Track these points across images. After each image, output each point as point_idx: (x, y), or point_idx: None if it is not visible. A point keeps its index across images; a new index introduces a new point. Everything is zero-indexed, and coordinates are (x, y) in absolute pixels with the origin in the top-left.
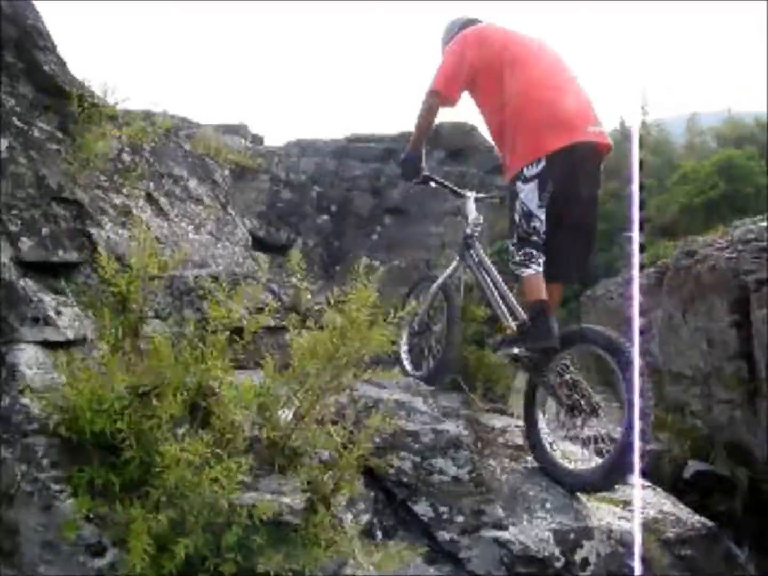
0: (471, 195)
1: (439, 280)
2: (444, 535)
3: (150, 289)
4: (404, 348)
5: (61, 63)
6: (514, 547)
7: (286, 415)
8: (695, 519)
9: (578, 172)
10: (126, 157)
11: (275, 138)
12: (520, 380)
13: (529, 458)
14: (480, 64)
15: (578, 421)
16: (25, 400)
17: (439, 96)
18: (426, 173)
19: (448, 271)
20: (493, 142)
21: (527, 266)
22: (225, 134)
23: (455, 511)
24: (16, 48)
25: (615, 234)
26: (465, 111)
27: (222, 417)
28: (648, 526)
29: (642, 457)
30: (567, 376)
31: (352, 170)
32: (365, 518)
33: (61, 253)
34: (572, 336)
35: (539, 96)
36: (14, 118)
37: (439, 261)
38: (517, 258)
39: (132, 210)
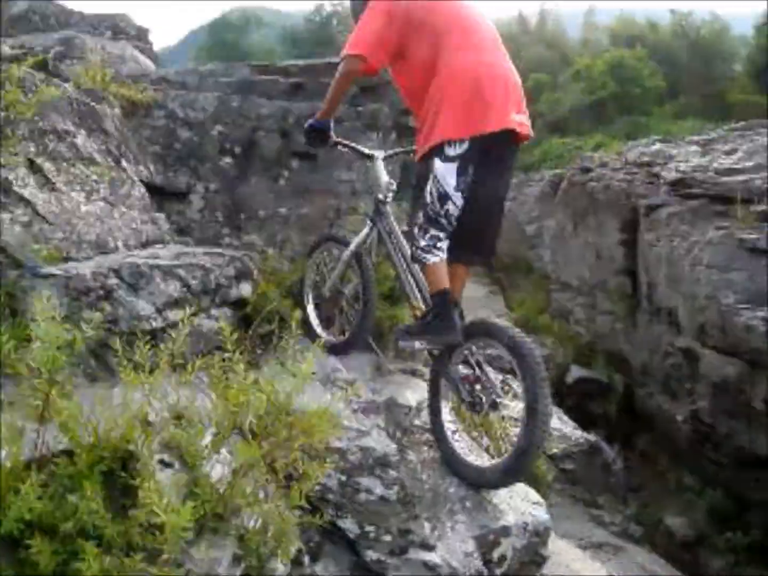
0: (380, 155)
1: (352, 247)
2: (371, 555)
3: (44, 289)
4: (313, 315)
5: None
6: (441, 570)
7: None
8: (579, 434)
9: (499, 158)
10: (7, 114)
11: (162, 33)
12: None
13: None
14: (410, 28)
15: (478, 418)
16: None
17: (364, 62)
18: (335, 139)
19: (360, 237)
20: (408, 105)
21: (433, 254)
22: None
23: (382, 530)
24: None
25: None
26: None
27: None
28: None
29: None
30: (469, 371)
31: (257, 108)
32: (293, 549)
33: None
34: (476, 330)
35: (472, 72)
36: None
37: (351, 209)
38: (423, 243)
39: (12, 185)
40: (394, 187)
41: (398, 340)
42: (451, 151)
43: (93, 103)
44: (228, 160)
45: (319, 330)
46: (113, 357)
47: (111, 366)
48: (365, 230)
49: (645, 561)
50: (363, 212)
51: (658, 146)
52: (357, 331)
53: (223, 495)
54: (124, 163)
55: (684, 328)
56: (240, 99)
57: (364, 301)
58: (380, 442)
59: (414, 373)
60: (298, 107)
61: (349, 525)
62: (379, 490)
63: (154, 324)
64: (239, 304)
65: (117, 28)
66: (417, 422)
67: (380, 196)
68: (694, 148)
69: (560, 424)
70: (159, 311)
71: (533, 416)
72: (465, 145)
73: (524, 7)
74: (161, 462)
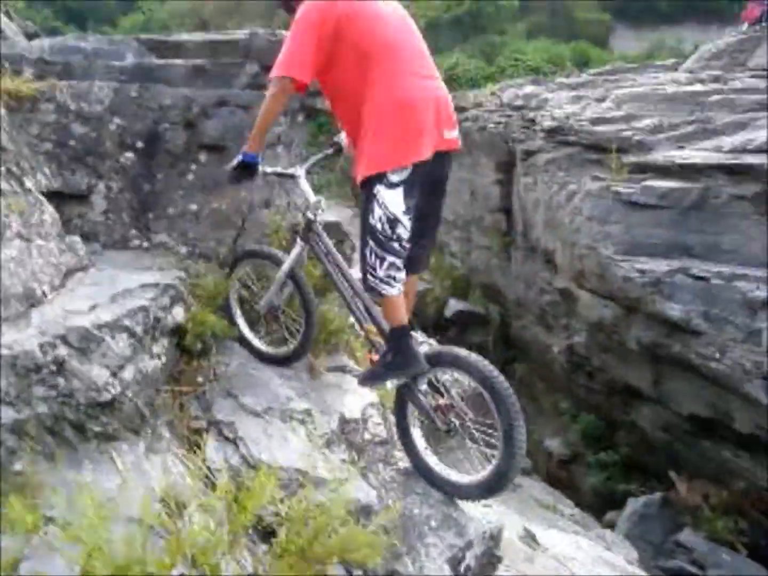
0: (301, 172)
1: (285, 268)
2: None
3: None
4: (247, 330)
5: None
6: None
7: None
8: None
9: (437, 176)
10: None
11: None
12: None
13: (397, 453)
14: (337, 43)
15: (453, 442)
16: None
17: (293, 83)
18: (263, 170)
19: (292, 257)
20: (336, 115)
21: (391, 285)
22: None
23: (370, 572)
24: None
25: None
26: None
27: None
28: None
29: None
30: (441, 400)
31: (159, 98)
32: None
33: None
34: (443, 359)
35: (406, 101)
36: None
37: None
38: (381, 273)
39: None
40: (323, 204)
41: (364, 384)
42: (394, 178)
43: None
44: (130, 155)
45: (260, 345)
46: (71, 431)
47: (70, 440)
48: (296, 249)
49: (538, 493)
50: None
51: (531, 88)
52: (303, 342)
53: None
54: (27, 183)
55: (562, 270)
56: (139, 88)
57: (306, 316)
58: (360, 489)
59: (343, 369)
60: (203, 95)
61: (338, 570)
62: (357, 556)
63: (112, 391)
64: (174, 330)
65: None
66: (367, 436)
67: (310, 215)
68: (566, 93)
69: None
70: (114, 374)
71: (511, 442)
72: (408, 171)
73: None
74: None
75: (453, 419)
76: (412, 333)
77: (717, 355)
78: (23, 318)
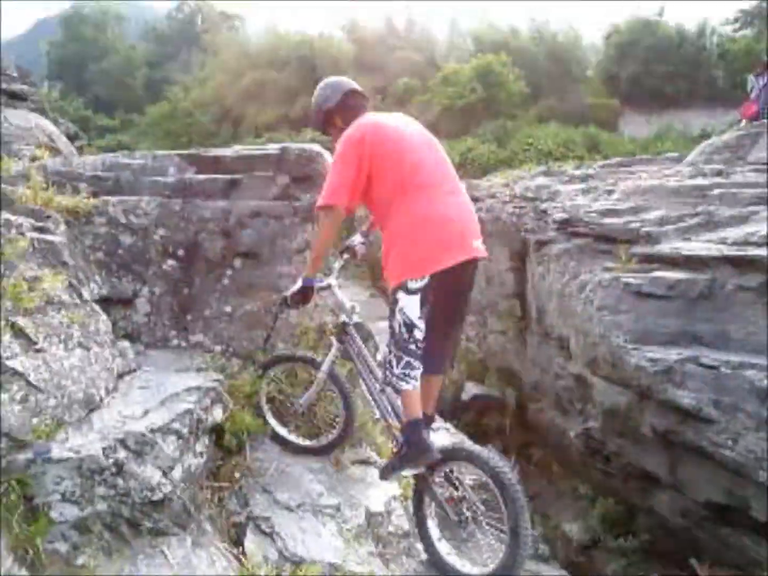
0: (333, 281)
1: (324, 368)
2: None
3: (56, 473)
4: (280, 427)
5: None
6: None
7: None
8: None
9: (458, 283)
10: None
11: (7, 20)
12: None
13: (419, 545)
14: (372, 170)
15: (464, 534)
16: None
17: (344, 211)
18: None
19: (330, 357)
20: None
21: (407, 381)
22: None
23: None
24: None
25: None
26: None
27: None
28: None
29: None
30: (454, 492)
31: (199, 210)
32: None
33: None
34: (457, 454)
35: (429, 215)
36: None
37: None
38: (397, 371)
39: (2, 359)
40: (358, 308)
41: (384, 478)
42: (413, 285)
43: (40, 224)
44: (172, 262)
45: (294, 439)
46: (127, 527)
47: (125, 536)
48: (333, 350)
49: None
50: (330, 333)
51: (542, 180)
52: (342, 433)
53: None
54: (84, 294)
55: (575, 356)
56: (182, 203)
57: (345, 409)
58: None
59: (366, 462)
60: (237, 206)
61: None
62: None
63: (164, 490)
64: (213, 429)
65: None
66: (390, 529)
67: (345, 319)
68: (575, 186)
69: (454, 439)
70: (165, 474)
71: (516, 538)
72: (425, 280)
73: (391, 10)
74: None
75: (465, 511)
76: (426, 426)
77: (729, 443)
78: (85, 422)
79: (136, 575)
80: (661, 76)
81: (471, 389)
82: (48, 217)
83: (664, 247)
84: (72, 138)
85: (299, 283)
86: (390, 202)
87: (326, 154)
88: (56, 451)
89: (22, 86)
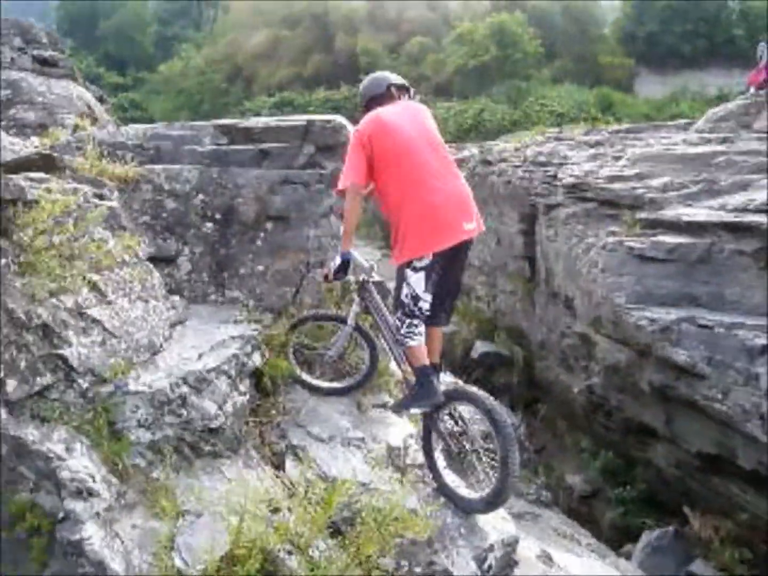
0: (353, 250)
1: (351, 323)
2: None
3: (133, 403)
4: (305, 374)
5: None
6: None
7: None
8: None
9: (456, 258)
10: (55, 239)
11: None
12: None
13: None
14: (373, 158)
15: (464, 464)
16: None
17: (358, 187)
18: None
19: (354, 312)
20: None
21: (412, 338)
22: (14, 39)
23: (414, 563)
24: None
25: None
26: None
27: None
28: None
29: None
30: (455, 427)
31: (234, 178)
32: None
33: (39, 380)
34: (459, 394)
35: (429, 204)
36: None
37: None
38: (404, 331)
39: (83, 308)
40: (376, 268)
41: (395, 411)
42: (418, 264)
43: (100, 191)
44: (210, 225)
45: (320, 383)
46: (189, 450)
47: (188, 457)
48: (355, 306)
49: (557, 523)
50: (352, 288)
51: (553, 145)
52: (368, 374)
53: None
54: (140, 254)
55: (580, 316)
56: (219, 171)
57: (370, 355)
58: (407, 499)
59: (384, 406)
60: (269, 174)
61: (387, 562)
62: (410, 534)
63: (219, 420)
64: (253, 373)
65: (28, 35)
66: (408, 461)
67: (365, 278)
68: (585, 152)
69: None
70: (219, 407)
71: (506, 465)
72: (429, 259)
73: None
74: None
75: (465, 444)
76: (435, 373)
77: (720, 397)
78: (151, 363)
79: (200, 486)
80: (679, 34)
81: (480, 347)
82: (104, 185)
83: (667, 213)
84: (100, 100)
85: (338, 259)
86: (393, 192)
87: (349, 125)
88: (132, 386)
89: (52, 53)
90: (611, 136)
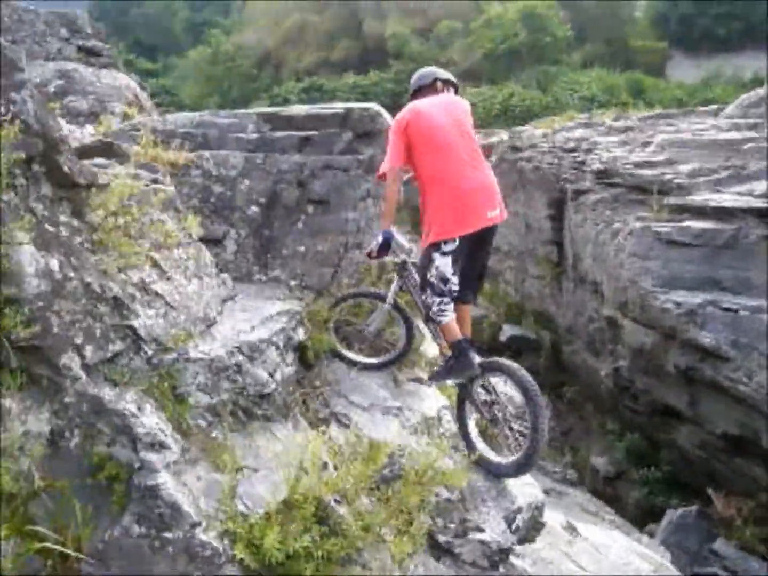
0: (395, 228)
1: (390, 300)
2: (442, 538)
3: (193, 369)
4: (344, 348)
5: (75, 160)
6: (491, 544)
7: None
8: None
9: (482, 242)
10: (121, 220)
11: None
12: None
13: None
14: (411, 145)
15: (496, 430)
16: (205, 537)
17: (397, 171)
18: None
19: (392, 290)
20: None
21: (444, 315)
22: (61, 30)
23: (449, 520)
24: (42, 157)
25: None
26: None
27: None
28: None
29: None
30: (488, 397)
31: (278, 164)
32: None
33: (111, 347)
34: (492, 366)
35: (457, 189)
36: (47, 226)
37: (356, 244)
38: (435, 309)
39: (147, 283)
40: (414, 249)
41: (432, 381)
42: (446, 248)
43: (155, 176)
44: (255, 209)
45: (358, 357)
46: (243, 414)
47: (242, 420)
48: (394, 285)
49: (582, 501)
50: (392, 267)
51: (582, 131)
52: (404, 350)
53: None
54: (194, 235)
55: (607, 300)
56: (263, 157)
57: (407, 332)
58: (444, 462)
59: (419, 380)
60: (311, 160)
61: (423, 518)
62: (445, 494)
63: (270, 387)
64: (298, 347)
65: (73, 26)
66: (441, 430)
67: (405, 258)
68: (614, 138)
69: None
70: (271, 375)
71: (536, 431)
72: (456, 243)
73: None
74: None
75: (496, 412)
76: (471, 346)
77: (744, 379)
78: (207, 334)
79: (255, 444)
80: (714, 16)
81: (508, 331)
82: (158, 170)
83: (695, 198)
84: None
85: (380, 237)
86: (427, 177)
87: (384, 113)
88: (192, 353)
89: (95, 42)
90: (641, 122)
